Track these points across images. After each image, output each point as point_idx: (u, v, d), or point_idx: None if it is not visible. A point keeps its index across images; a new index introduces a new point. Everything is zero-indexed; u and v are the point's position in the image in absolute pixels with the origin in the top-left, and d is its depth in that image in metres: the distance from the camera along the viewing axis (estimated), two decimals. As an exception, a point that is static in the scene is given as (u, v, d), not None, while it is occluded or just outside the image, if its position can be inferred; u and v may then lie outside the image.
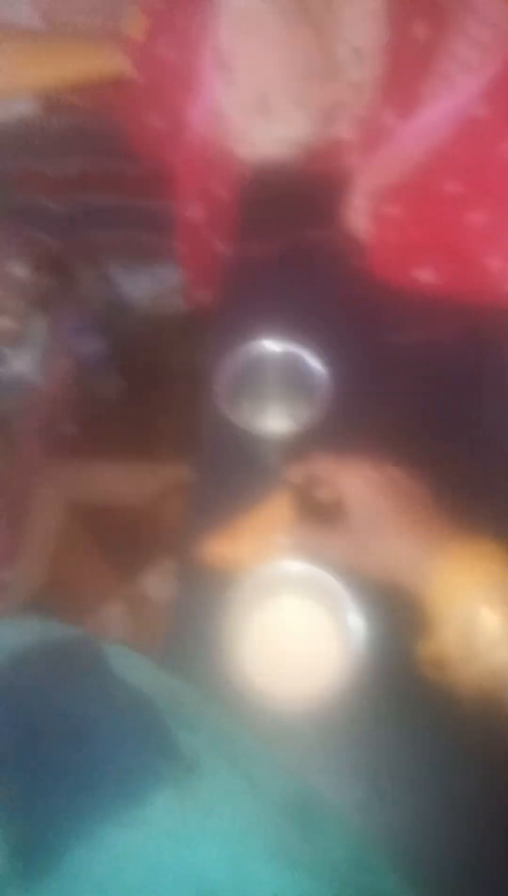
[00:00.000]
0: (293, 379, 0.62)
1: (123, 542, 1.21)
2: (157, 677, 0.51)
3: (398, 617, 0.48)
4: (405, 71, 0.66)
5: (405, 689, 0.48)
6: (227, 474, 0.63)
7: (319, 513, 0.51)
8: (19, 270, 1.37)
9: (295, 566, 0.49)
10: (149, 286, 1.45)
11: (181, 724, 0.45)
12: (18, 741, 0.44)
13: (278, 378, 0.63)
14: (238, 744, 0.47)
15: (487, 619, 0.41)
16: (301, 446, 0.57)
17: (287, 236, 0.74)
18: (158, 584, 1.17)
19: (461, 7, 0.65)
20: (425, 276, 0.66)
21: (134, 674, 0.49)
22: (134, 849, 0.40)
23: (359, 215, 0.69)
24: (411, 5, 0.66)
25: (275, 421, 0.64)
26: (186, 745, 0.44)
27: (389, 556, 0.46)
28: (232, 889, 0.39)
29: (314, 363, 0.60)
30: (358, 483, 0.49)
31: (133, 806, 0.41)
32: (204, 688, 0.50)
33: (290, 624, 0.50)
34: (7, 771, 0.44)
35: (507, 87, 0.63)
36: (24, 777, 0.43)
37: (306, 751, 0.47)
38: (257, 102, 0.70)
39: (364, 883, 0.42)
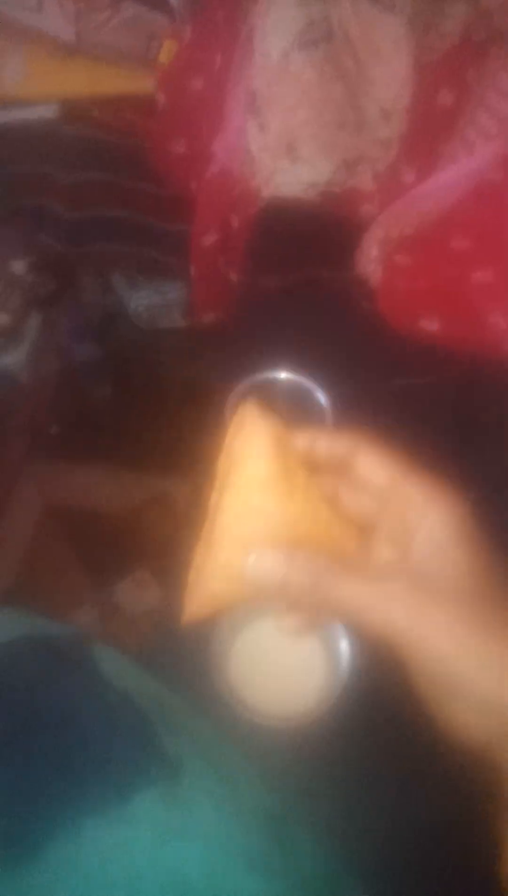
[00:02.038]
0: (298, 410, 0.65)
1: (100, 550, 1.21)
2: (144, 681, 0.52)
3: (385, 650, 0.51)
4: (428, 133, 0.71)
5: (383, 716, 0.50)
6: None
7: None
8: (21, 269, 1.38)
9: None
10: (150, 300, 1.47)
11: (167, 728, 0.47)
12: (4, 730, 0.45)
13: (283, 408, 0.65)
14: (221, 752, 0.49)
15: None
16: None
17: (300, 273, 0.77)
18: (132, 594, 1.17)
19: (483, 80, 0.70)
20: (430, 325, 0.70)
21: (122, 676, 0.51)
22: (117, 845, 0.41)
23: (371, 261, 0.73)
24: (437, 74, 0.71)
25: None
26: (172, 748, 0.46)
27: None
28: (208, 891, 0.41)
29: (320, 396, 0.63)
30: (445, 523, 0.31)
31: (118, 803, 0.42)
32: (190, 696, 0.51)
33: (280, 643, 0.52)
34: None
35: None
36: (10, 766, 0.44)
37: (285, 766, 0.49)
38: (285, 147, 0.74)
39: None
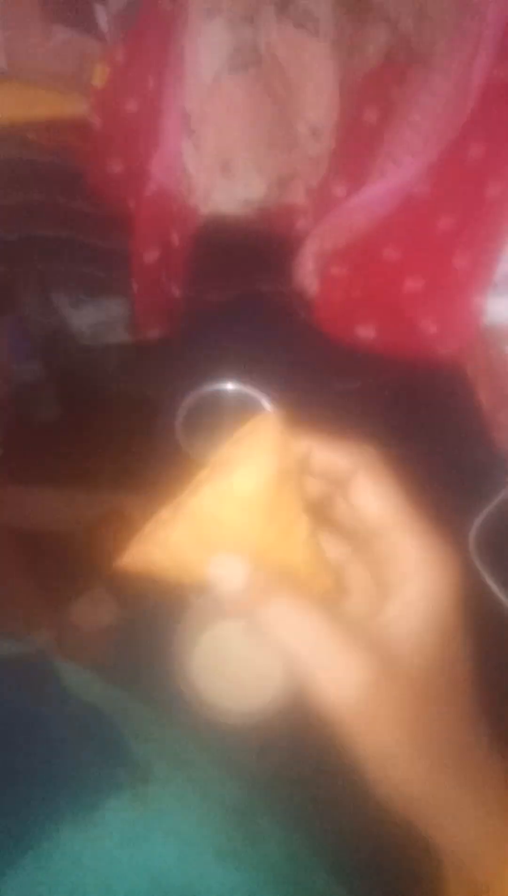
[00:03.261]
0: (245, 420, 0.67)
1: (54, 570, 1.20)
2: (108, 692, 0.53)
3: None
4: (356, 149, 0.74)
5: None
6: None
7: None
8: (-43, 291, 1.37)
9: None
10: (93, 317, 1.47)
11: (133, 735, 0.48)
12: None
13: (232, 417, 0.67)
14: (187, 754, 0.50)
15: None
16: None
17: (241, 286, 0.79)
18: (90, 612, 1.17)
19: (406, 99, 0.74)
20: (366, 332, 0.73)
21: (86, 688, 0.52)
22: (90, 848, 0.42)
23: (308, 274, 0.76)
24: (362, 94, 0.74)
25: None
26: (139, 753, 0.47)
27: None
28: (182, 886, 0.42)
29: (265, 405, 0.66)
30: (429, 597, 0.27)
31: (90, 809, 0.43)
32: (154, 701, 0.52)
33: (240, 642, 0.53)
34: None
35: (445, 170, 0.72)
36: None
37: (249, 761, 0.51)
38: (220, 165, 0.77)
39: (300, 880, 0.46)
